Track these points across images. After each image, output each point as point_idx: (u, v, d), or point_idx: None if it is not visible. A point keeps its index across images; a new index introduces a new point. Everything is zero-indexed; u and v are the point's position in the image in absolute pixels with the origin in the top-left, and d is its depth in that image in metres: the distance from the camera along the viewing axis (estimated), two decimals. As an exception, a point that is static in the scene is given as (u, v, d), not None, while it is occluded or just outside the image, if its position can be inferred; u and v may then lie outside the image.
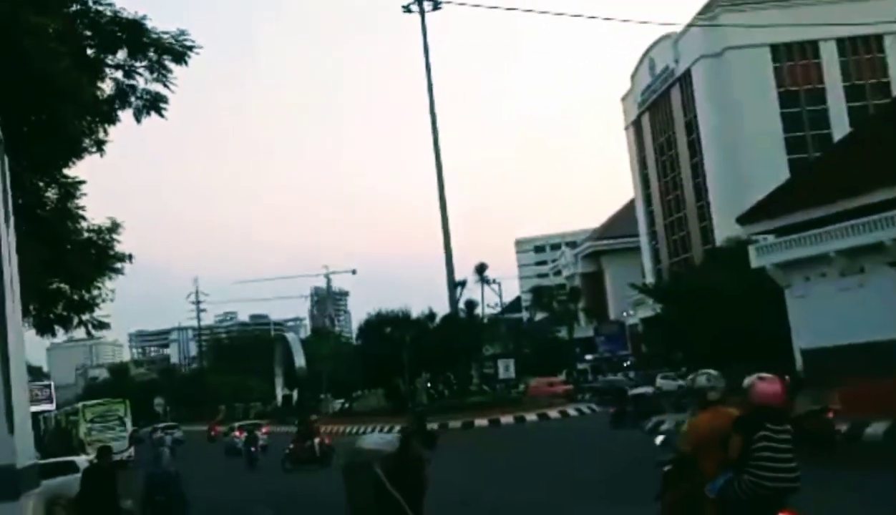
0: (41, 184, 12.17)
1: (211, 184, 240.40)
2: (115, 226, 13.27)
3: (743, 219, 22.99)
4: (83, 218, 13.05)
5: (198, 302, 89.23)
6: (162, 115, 10.85)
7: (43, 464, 16.09)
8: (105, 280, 13.53)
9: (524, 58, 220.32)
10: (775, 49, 52.81)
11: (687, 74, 56.26)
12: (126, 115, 11.33)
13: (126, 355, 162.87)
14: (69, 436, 32.32)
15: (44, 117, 9.88)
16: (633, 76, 65.56)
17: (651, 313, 48.97)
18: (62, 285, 13.50)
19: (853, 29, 52.19)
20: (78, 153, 11.47)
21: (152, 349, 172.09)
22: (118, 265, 13.51)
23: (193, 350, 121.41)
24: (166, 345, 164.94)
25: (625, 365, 50.69)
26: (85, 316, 13.60)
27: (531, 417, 30.39)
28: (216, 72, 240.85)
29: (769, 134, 51.08)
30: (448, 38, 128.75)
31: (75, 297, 13.48)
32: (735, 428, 4.58)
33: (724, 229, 46.77)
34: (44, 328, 13.54)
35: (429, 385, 44.32)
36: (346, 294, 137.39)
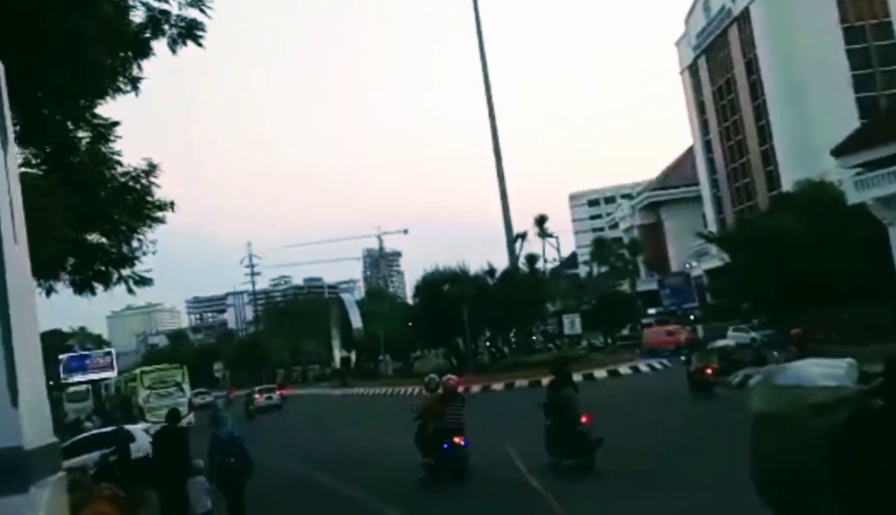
0: (71, 124, 11.16)
1: (261, 146, 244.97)
2: (152, 168, 12.16)
3: (839, 151, 21.41)
4: (119, 164, 12.06)
5: (252, 267, 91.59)
6: (199, 44, 9.85)
7: (99, 434, 16.50)
8: (145, 230, 12.45)
9: (575, 6, 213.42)
10: (838, -17, 49.86)
11: (745, 13, 53.64)
12: (160, 56, 10.14)
13: (184, 322, 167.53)
14: (129, 402, 32.29)
15: (66, 41, 8.76)
16: (687, 19, 62.88)
17: (716, 263, 47.92)
18: (100, 238, 12.40)
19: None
20: (109, 86, 10.48)
21: (209, 315, 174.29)
22: (159, 214, 12.42)
23: (250, 314, 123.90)
24: (223, 311, 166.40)
25: (691, 318, 49.97)
26: (125, 271, 12.49)
27: (601, 374, 29.66)
28: (262, 24, 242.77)
29: (835, 71, 48.49)
30: None
31: (113, 251, 12.46)
32: None
33: (792, 172, 45.13)
34: (82, 286, 12.44)
35: (488, 343, 44.17)
36: (398, 254, 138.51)
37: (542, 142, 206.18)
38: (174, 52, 10.03)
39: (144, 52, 10.30)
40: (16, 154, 4.68)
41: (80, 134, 11.62)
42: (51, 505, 3.69)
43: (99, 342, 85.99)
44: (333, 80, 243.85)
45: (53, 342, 70.15)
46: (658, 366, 31.46)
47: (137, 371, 35.83)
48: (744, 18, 54.04)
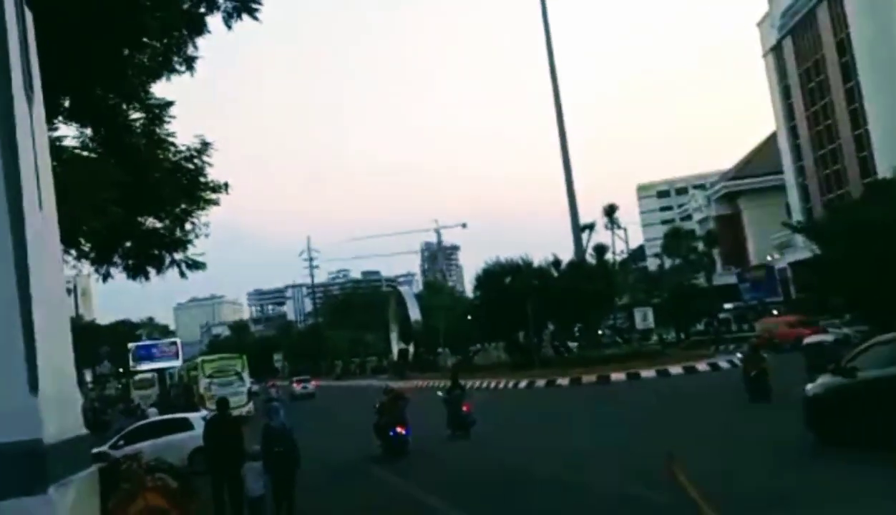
0: (125, 105, 11.02)
1: (322, 140, 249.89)
2: (205, 147, 11.74)
3: None
4: (173, 145, 11.74)
5: (311, 260, 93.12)
6: (255, 18, 9.47)
7: (158, 421, 16.49)
8: (199, 213, 12.12)
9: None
10: (943, -48, 45.48)
11: (837, -11, 49.97)
12: (216, 36, 9.64)
13: (245, 313, 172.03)
14: (191, 391, 32.34)
15: (118, 18, 8.52)
16: (770, -3, 59.32)
17: (801, 256, 44.97)
18: (153, 221, 12.10)
19: None
20: (164, 67, 10.14)
21: (269, 307, 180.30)
22: (213, 196, 12.14)
23: (308, 306, 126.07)
24: (282, 303, 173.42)
25: (773, 313, 47.15)
26: (178, 255, 12.28)
27: (676, 370, 28.08)
28: (325, 14, 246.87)
29: (938, 48, 44.48)
30: None
31: (166, 234, 12.15)
32: None
33: (889, 158, 41.75)
34: (136, 270, 12.25)
35: (553, 338, 42.59)
36: (456, 248, 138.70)
37: (609, 131, 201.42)
38: (229, 26, 9.56)
39: (199, 28, 9.95)
40: (42, 112, 4.34)
41: (135, 115, 11.36)
42: (75, 509, 3.17)
43: (165, 332, 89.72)
44: (395, 71, 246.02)
45: (123, 331, 73.79)
46: (738, 363, 29.58)
47: (199, 360, 36.13)
48: (836, -6, 50.36)
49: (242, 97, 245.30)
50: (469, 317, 46.53)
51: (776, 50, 59.66)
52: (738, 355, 23.07)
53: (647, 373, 28.17)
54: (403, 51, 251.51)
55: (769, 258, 56.69)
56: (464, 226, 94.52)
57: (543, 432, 16.47)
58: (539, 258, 40.66)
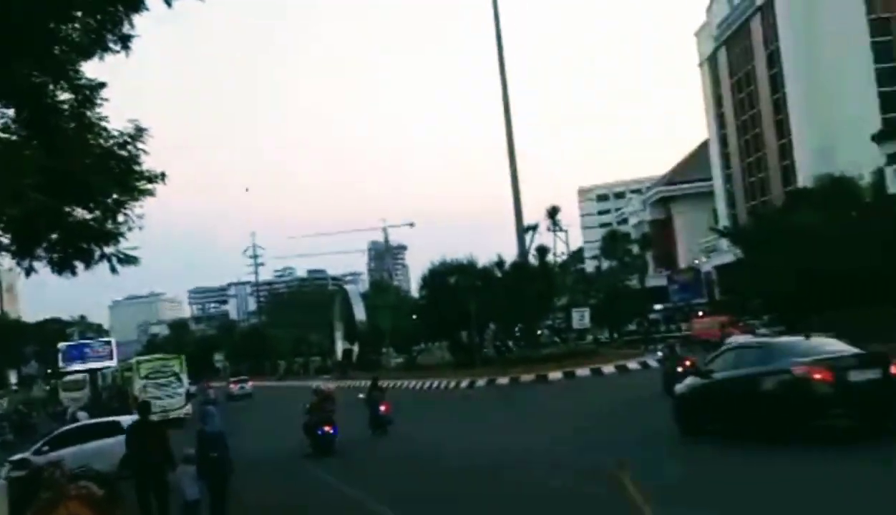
0: (52, 86, 10.23)
1: (267, 136, 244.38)
2: (139, 132, 11.11)
3: (881, 136, 20.12)
4: (105, 130, 11.02)
5: (255, 257, 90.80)
6: None
7: (87, 426, 15.80)
8: (132, 204, 11.47)
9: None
10: (865, -27, 48.31)
11: (769, 3, 52.10)
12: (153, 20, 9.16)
13: (185, 312, 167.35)
14: (125, 394, 31.17)
15: None
16: (708, 8, 61.36)
17: (726, 260, 46.76)
18: (83, 212, 11.40)
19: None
20: (96, 44, 9.50)
21: (211, 305, 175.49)
22: (148, 186, 11.40)
23: (252, 305, 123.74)
24: (225, 301, 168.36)
25: (699, 314, 48.85)
26: (109, 249, 11.61)
27: (609, 369, 29.06)
28: (271, 13, 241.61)
29: (859, 65, 47.07)
30: None
31: (94, 226, 11.48)
32: None
33: (810, 168, 43.84)
34: (62, 265, 11.64)
35: (495, 338, 43.02)
36: (404, 248, 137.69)
37: (551, 135, 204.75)
38: (169, 4, 9.08)
39: (135, 3, 9.40)
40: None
41: (63, 96, 10.63)
42: None
43: (99, 331, 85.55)
44: (341, 69, 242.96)
45: (53, 330, 69.85)
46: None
47: (134, 360, 34.75)
48: (767, 8, 52.54)
49: (185, 85, 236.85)
50: (414, 317, 46.64)
51: (711, 60, 61.86)
52: (659, 354, 23.75)
53: (583, 372, 28.93)
54: (353, 47, 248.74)
55: (696, 261, 58.75)
56: (411, 225, 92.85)
57: (463, 428, 17.50)
58: (484, 258, 41.12)
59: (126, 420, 14.88)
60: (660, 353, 21.75)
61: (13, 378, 62.80)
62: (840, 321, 23.37)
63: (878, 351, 10.54)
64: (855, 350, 10.44)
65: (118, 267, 11.72)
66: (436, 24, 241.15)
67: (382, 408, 17.14)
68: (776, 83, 52.51)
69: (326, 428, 14.59)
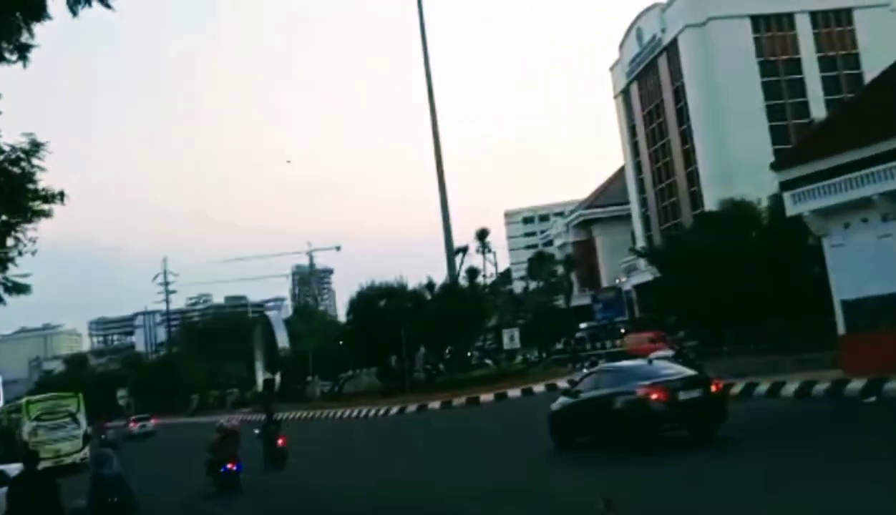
0: None
1: (180, 156, 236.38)
2: (35, 148, 10.15)
3: (777, 165, 22.38)
4: None
5: (167, 284, 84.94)
6: (107, 5, 8.04)
7: None
8: (25, 226, 10.49)
9: (515, 29, 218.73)
10: (755, 20, 53.93)
11: (674, 43, 56.77)
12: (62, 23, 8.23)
13: (86, 345, 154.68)
14: (11, 438, 27.69)
15: None
16: (621, 45, 65.80)
17: (644, 279, 49.92)
18: None
19: (826, 2, 53.58)
20: None
21: (115, 337, 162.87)
22: (43, 206, 10.43)
23: (162, 335, 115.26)
24: (131, 333, 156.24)
25: (621, 332, 51.77)
26: None
27: (539, 388, 29.52)
28: (190, 26, 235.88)
29: (751, 101, 52.23)
30: (440, 4, 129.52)
31: None
32: None
33: (713, 193, 47.80)
34: None
35: (425, 361, 42.89)
36: (330, 272, 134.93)
37: (477, 160, 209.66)
38: (75, 13, 8.01)
39: (36, 11, 8.47)
40: None
41: None
42: None
43: (-18, 367, 78.60)
44: (263, 88, 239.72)
45: None
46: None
47: (23, 400, 31.32)
48: (672, 48, 57.15)
49: (87, 96, 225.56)
50: (341, 342, 45.48)
51: (624, 93, 66.24)
52: (584, 371, 25.40)
53: (514, 393, 29.46)
54: (280, 65, 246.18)
55: (617, 281, 62.14)
56: (338, 248, 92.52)
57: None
58: (414, 281, 40.82)
59: (12, 468, 13.35)
60: (584, 371, 23.47)
61: None
62: (747, 334, 26.01)
63: (701, 375, 12.85)
64: (687, 372, 12.69)
65: (5, 296, 10.80)
66: (364, 47, 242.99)
67: (279, 442, 17.09)
68: (682, 116, 57.04)
69: (230, 466, 14.54)
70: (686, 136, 56.67)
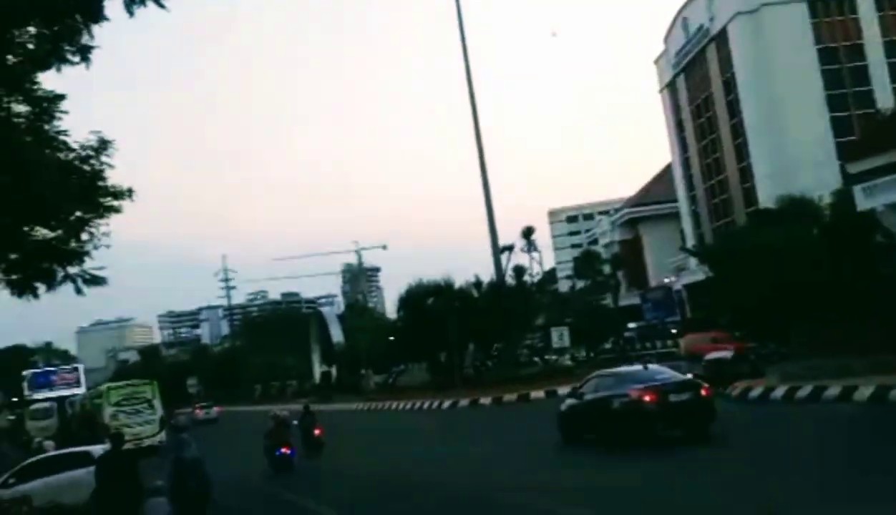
0: (6, 97, 9.79)
1: (240, 156, 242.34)
2: (103, 145, 10.63)
3: (846, 157, 21.10)
4: (65, 144, 10.39)
5: (227, 280, 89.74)
6: (161, 4, 8.29)
7: (56, 456, 15.12)
8: (97, 222, 10.89)
9: (557, 20, 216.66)
10: (812, 4, 51.52)
11: (723, 32, 54.94)
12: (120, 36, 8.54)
13: (156, 337, 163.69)
14: (94, 422, 29.74)
15: None
16: (666, 37, 64.17)
17: (695, 278, 48.56)
18: (43, 231, 10.65)
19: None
20: (52, 55, 8.86)
21: (182, 330, 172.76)
22: (113, 202, 10.85)
23: (225, 329, 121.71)
24: (197, 326, 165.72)
25: (672, 332, 50.45)
26: (73, 269, 10.92)
27: None
28: (246, 28, 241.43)
29: (810, 91, 49.96)
30: (485, 3, 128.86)
31: (56, 245, 10.70)
32: None
33: (768, 189, 46.07)
34: (21, 286, 10.87)
35: (474, 358, 43.46)
36: (377, 270, 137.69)
37: (521, 158, 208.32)
38: (131, 13, 8.28)
39: (94, 13, 8.67)
40: None
41: (18, 108, 10.07)
42: None
43: (66, 358, 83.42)
44: (317, 91, 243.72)
45: (16, 357, 67.71)
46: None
47: (104, 386, 33.44)
48: (721, 38, 55.32)
49: (152, 100, 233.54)
50: (391, 338, 46.62)
51: (671, 86, 64.53)
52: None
53: (564, 390, 29.15)
54: (325, 70, 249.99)
55: (666, 280, 60.58)
56: (384, 247, 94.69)
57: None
58: (460, 279, 41.42)
59: (97, 449, 14.23)
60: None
61: (-25, 407, 60.70)
62: (814, 335, 24.82)
63: (692, 379, 13.92)
64: (679, 377, 13.84)
65: (84, 288, 11.07)
66: (409, 46, 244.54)
67: (316, 432, 18.51)
68: (733, 109, 55.13)
69: (283, 450, 16.06)
70: (737, 130, 54.79)
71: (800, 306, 26.79)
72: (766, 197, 45.34)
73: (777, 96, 50.07)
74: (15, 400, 58.89)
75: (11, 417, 57.08)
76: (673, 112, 64.42)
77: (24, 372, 50.22)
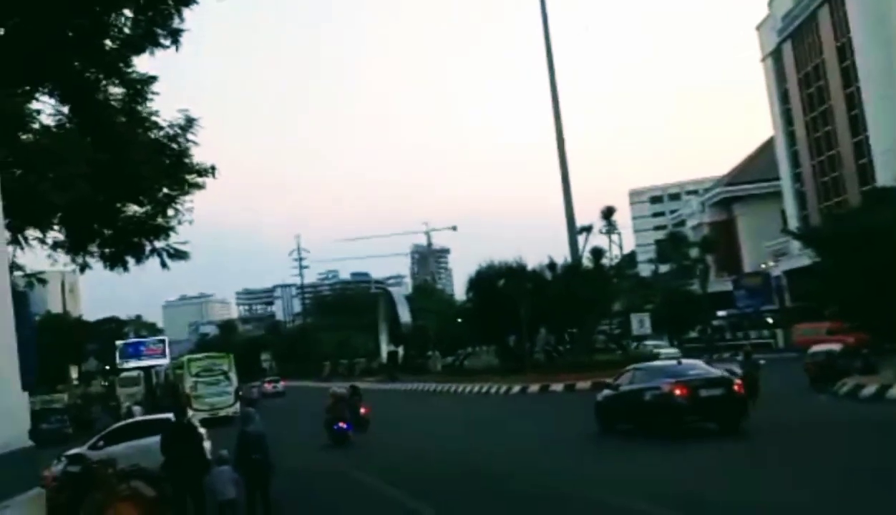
0: (103, 80, 10.36)
1: (312, 141, 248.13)
2: (189, 123, 11.11)
3: None
4: (156, 125, 11.01)
5: (300, 259, 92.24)
6: None
7: (141, 422, 16.04)
8: (182, 198, 11.48)
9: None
10: (946, -43, 44.95)
11: (839, -7, 49.26)
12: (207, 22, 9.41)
13: (234, 313, 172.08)
14: (176, 390, 31.98)
15: None
16: (770, 2, 58.57)
17: (798, 263, 44.26)
18: (134, 207, 11.43)
19: None
20: (145, 39, 9.58)
21: (258, 306, 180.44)
22: (198, 179, 11.45)
23: (297, 307, 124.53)
24: (271, 303, 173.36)
25: (768, 321, 46.30)
26: (159, 243, 11.61)
27: None
28: (319, 16, 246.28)
29: (941, 55, 43.89)
30: None
31: (144, 220, 11.48)
32: None
33: (889, 166, 41.03)
34: (113, 260, 11.71)
35: (546, 343, 41.86)
36: (446, 251, 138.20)
37: (600, 135, 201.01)
38: None
39: None
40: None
41: (114, 90, 10.58)
42: None
43: (153, 330, 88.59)
44: (389, 69, 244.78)
45: (110, 329, 72.69)
46: (738, 371, 29.01)
47: (185, 358, 35.40)
48: (837, -1, 49.64)
49: (230, 83, 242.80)
50: (459, 320, 45.88)
51: (775, 54, 58.98)
52: (739, 358, 23.36)
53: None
54: (395, 48, 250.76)
55: (763, 265, 55.87)
56: (454, 228, 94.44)
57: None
58: (532, 261, 40.15)
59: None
60: (738, 358, 22.10)
61: (74, 374, 65.28)
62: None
63: (725, 376, 14.33)
64: (712, 373, 14.46)
65: (168, 261, 11.69)
66: (483, 24, 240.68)
67: (362, 411, 19.79)
68: (849, 77, 49.43)
69: (341, 424, 17.52)
70: (853, 101, 49.12)
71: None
72: (886, 174, 40.39)
73: (902, 61, 44.33)
74: (107, 368, 62.69)
75: (104, 384, 61.11)
76: (777, 82, 58.89)
77: (117, 343, 53.35)
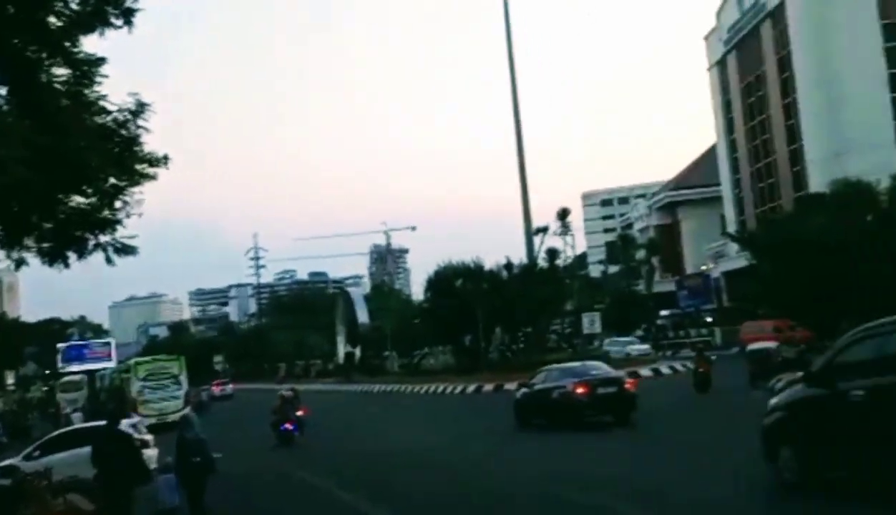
0: (47, 60, 9.60)
1: (268, 139, 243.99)
2: (140, 108, 10.28)
3: None
4: (104, 110, 10.20)
5: (257, 258, 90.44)
6: None
7: (82, 429, 15.52)
8: (131, 189, 10.65)
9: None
10: (878, -23, 47.70)
11: (780, 7, 51.52)
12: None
13: (186, 313, 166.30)
14: (122, 395, 30.60)
15: None
16: (718, 13, 60.84)
17: (735, 265, 46.18)
18: (78, 198, 10.60)
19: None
20: (94, 18, 8.95)
21: (212, 307, 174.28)
22: (149, 170, 10.59)
23: (253, 307, 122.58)
24: (225, 303, 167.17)
25: (707, 320, 48.22)
26: (105, 237, 10.77)
27: (619, 373, 28.80)
28: (276, 16, 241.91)
29: (871, 70, 46.53)
30: None
31: (89, 213, 10.67)
32: None
33: (821, 173, 43.23)
34: (53, 255, 10.83)
35: (502, 342, 42.36)
36: (405, 251, 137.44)
37: (553, 140, 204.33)
38: None
39: None
40: None
41: (59, 71, 9.88)
42: None
43: (99, 332, 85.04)
44: (344, 72, 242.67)
45: (52, 330, 68.95)
46: (680, 368, 30.51)
47: (132, 361, 34.27)
48: (779, 12, 51.95)
49: (187, 73, 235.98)
50: (417, 320, 46.04)
51: (720, 64, 61.28)
52: (692, 354, 24.77)
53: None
54: (354, 48, 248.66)
55: (704, 267, 58.09)
56: (413, 228, 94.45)
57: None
58: (490, 261, 40.58)
59: (123, 423, 14.24)
60: (692, 353, 23.51)
61: (10, 378, 62.23)
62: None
63: (619, 376, 16.38)
64: (610, 373, 16.37)
65: (114, 257, 10.90)
66: (442, 25, 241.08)
67: (299, 413, 19.85)
68: (787, 88, 51.91)
69: (287, 426, 18.05)
70: (790, 111, 51.60)
71: (845, 299, 24.75)
72: (818, 181, 42.70)
73: (835, 75, 46.79)
74: (48, 372, 60.07)
75: (44, 389, 58.37)
76: (721, 91, 61.26)
77: (59, 345, 51.03)
